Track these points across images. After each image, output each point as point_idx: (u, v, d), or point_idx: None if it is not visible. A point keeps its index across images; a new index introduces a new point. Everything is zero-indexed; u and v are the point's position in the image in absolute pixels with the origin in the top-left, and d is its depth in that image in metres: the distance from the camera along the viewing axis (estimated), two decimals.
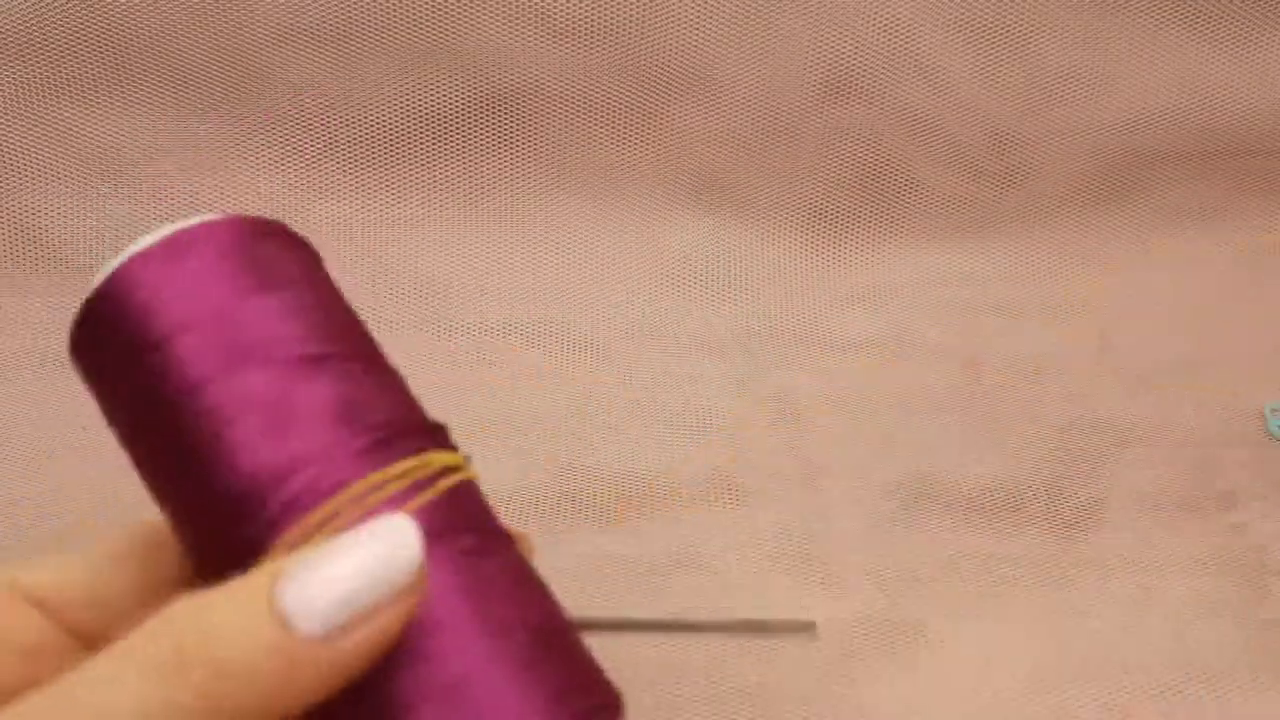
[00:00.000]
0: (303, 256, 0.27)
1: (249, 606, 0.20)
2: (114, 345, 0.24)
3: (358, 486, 0.22)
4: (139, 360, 0.24)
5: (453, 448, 0.25)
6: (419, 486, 0.23)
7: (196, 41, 0.56)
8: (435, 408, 0.60)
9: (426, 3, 0.56)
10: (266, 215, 0.27)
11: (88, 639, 0.25)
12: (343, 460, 0.23)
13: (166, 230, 0.25)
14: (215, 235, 0.25)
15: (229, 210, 0.59)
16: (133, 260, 0.24)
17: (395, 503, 0.22)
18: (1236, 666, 0.42)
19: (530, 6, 0.56)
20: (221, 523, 0.23)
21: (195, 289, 0.24)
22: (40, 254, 0.58)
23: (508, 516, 0.47)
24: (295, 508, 0.22)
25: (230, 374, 0.23)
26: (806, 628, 0.30)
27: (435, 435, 0.25)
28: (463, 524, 0.23)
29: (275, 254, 0.26)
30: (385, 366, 0.26)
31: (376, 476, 0.22)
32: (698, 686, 0.40)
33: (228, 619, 0.20)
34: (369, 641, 0.20)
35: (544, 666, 0.22)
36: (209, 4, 0.55)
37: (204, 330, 0.23)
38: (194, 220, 0.25)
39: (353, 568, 0.20)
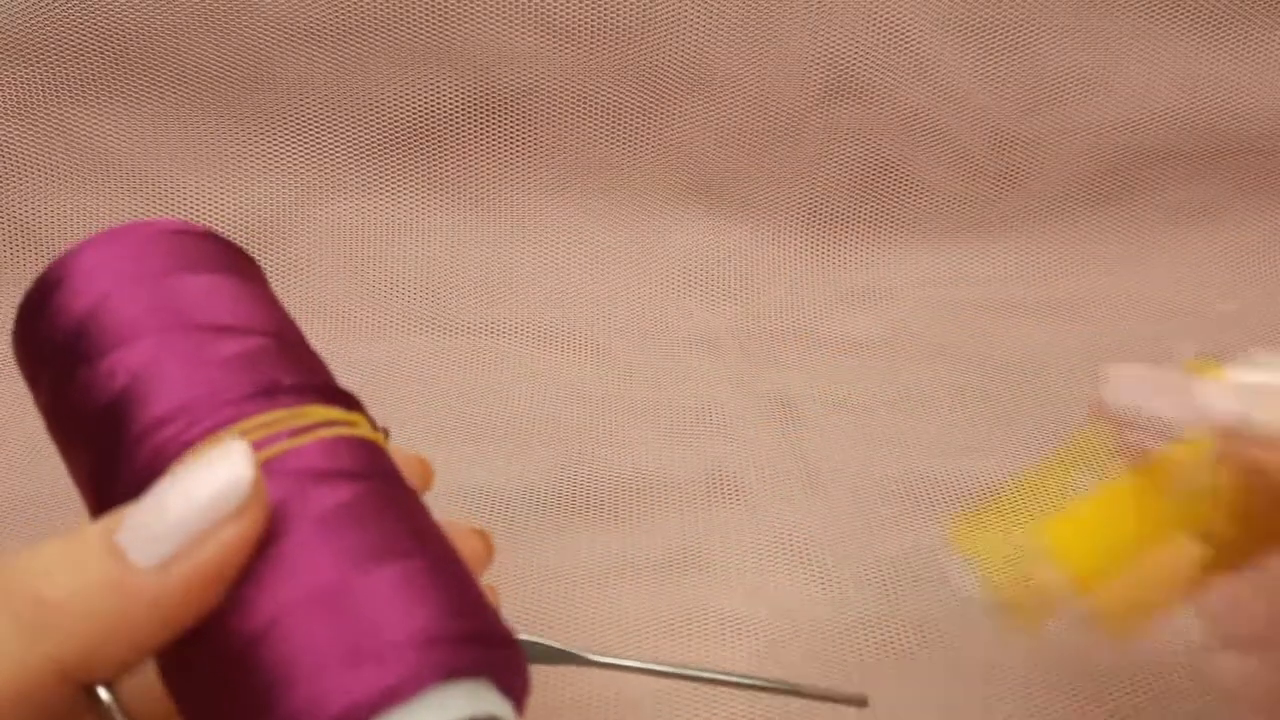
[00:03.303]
0: (227, 252, 0.28)
1: (82, 548, 0.20)
2: (45, 327, 0.26)
3: (230, 430, 0.23)
4: (67, 335, 0.25)
5: (362, 413, 0.26)
6: (298, 434, 0.23)
7: (197, 41, 0.56)
8: (435, 408, 0.60)
9: (426, 3, 0.56)
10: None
11: None
12: (222, 408, 0.23)
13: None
14: (143, 230, 0.27)
15: (226, 210, 0.59)
16: (65, 254, 0.26)
17: (262, 446, 0.23)
18: None
19: (530, 6, 0.56)
20: (114, 471, 0.23)
21: (119, 268, 0.26)
22: (40, 254, 0.58)
23: (508, 516, 0.47)
24: (168, 452, 0.23)
25: (140, 338, 0.24)
26: (858, 701, 0.30)
27: (330, 396, 0.25)
28: (349, 469, 0.23)
29: (200, 247, 0.27)
30: (301, 347, 0.27)
31: (249, 422, 0.23)
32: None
33: (59, 560, 0.20)
34: (206, 567, 0.20)
35: (428, 591, 0.21)
36: (210, 4, 0.55)
37: (122, 301, 0.25)
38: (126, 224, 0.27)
39: (182, 493, 0.20)
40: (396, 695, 0.20)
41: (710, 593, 0.44)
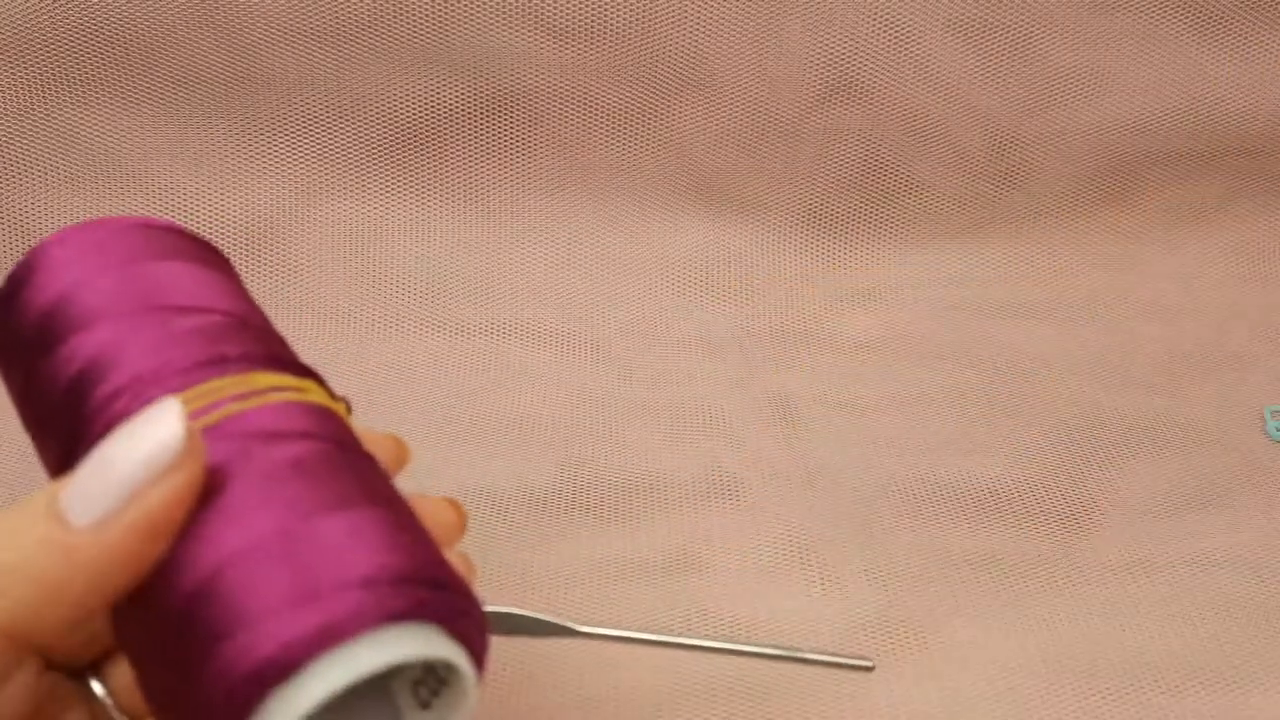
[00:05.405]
0: (192, 244, 0.28)
1: (26, 512, 0.21)
2: (14, 322, 0.26)
3: (176, 397, 0.23)
4: (33, 327, 0.26)
5: (317, 382, 0.26)
6: (245, 399, 0.23)
7: (196, 41, 0.56)
8: (435, 407, 0.60)
9: (426, 3, 0.56)
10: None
11: None
12: (170, 377, 0.23)
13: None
14: (110, 224, 0.27)
15: (226, 210, 0.59)
16: (31, 250, 0.27)
17: (209, 410, 0.23)
18: (1236, 665, 0.42)
19: (530, 6, 0.56)
20: (75, 450, 0.24)
21: (84, 259, 0.26)
22: None
23: (507, 516, 0.47)
24: (119, 422, 0.23)
25: (100, 321, 0.25)
26: (865, 667, 0.29)
27: (280, 364, 0.25)
28: (298, 430, 0.23)
29: (164, 239, 0.28)
30: (262, 327, 0.27)
31: (196, 389, 0.23)
32: (696, 680, 0.40)
33: (3, 528, 0.20)
34: (143, 522, 0.20)
35: (374, 538, 0.21)
36: (209, 4, 0.55)
37: (85, 289, 0.25)
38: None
39: (118, 451, 0.21)
40: (335, 635, 0.19)
41: (710, 593, 0.44)
